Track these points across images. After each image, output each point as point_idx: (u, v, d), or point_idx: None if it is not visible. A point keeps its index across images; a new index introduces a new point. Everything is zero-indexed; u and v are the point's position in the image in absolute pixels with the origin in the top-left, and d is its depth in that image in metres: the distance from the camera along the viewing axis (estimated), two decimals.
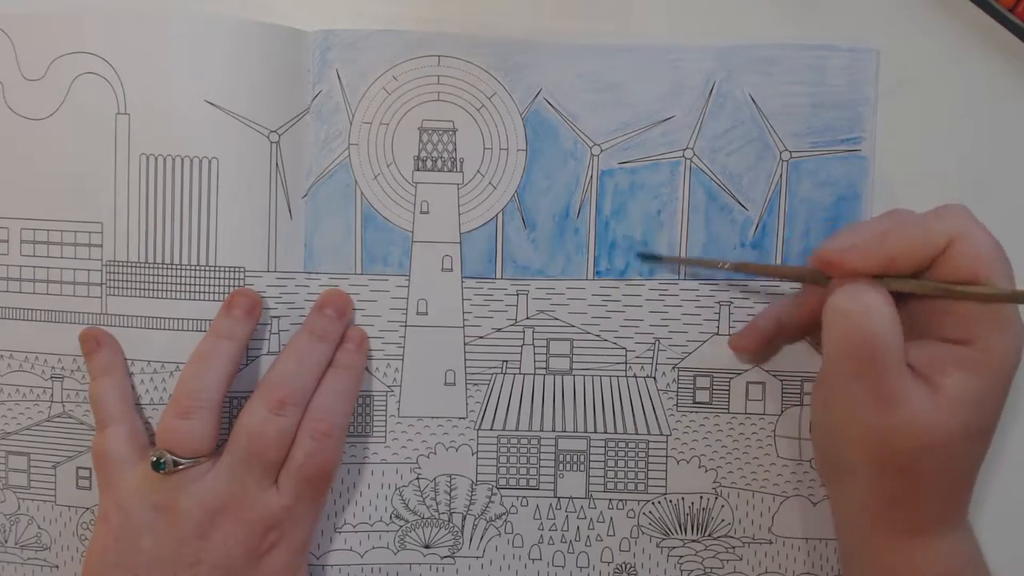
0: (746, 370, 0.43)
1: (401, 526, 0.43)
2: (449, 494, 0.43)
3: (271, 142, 0.41)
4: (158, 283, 0.41)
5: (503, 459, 0.43)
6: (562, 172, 0.43)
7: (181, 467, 0.38)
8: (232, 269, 0.41)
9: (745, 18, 0.43)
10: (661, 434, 0.43)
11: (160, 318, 0.41)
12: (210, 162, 0.41)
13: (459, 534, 0.43)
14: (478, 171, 0.42)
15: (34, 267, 0.42)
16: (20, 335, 0.42)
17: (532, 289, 0.43)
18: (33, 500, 0.43)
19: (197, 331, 0.41)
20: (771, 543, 0.43)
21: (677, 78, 0.42)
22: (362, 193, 0.42)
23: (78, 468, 0.43)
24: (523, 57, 0.42)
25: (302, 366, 0.40)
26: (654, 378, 0.43)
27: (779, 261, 0.43)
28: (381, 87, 0.42)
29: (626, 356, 0.43)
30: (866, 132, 0.42)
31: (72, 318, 0.42)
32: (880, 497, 0.36)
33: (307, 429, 0.39)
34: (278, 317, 0.42)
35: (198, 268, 0.41)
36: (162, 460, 0.37)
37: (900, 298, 0.35)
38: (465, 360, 0.43)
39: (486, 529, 0.43)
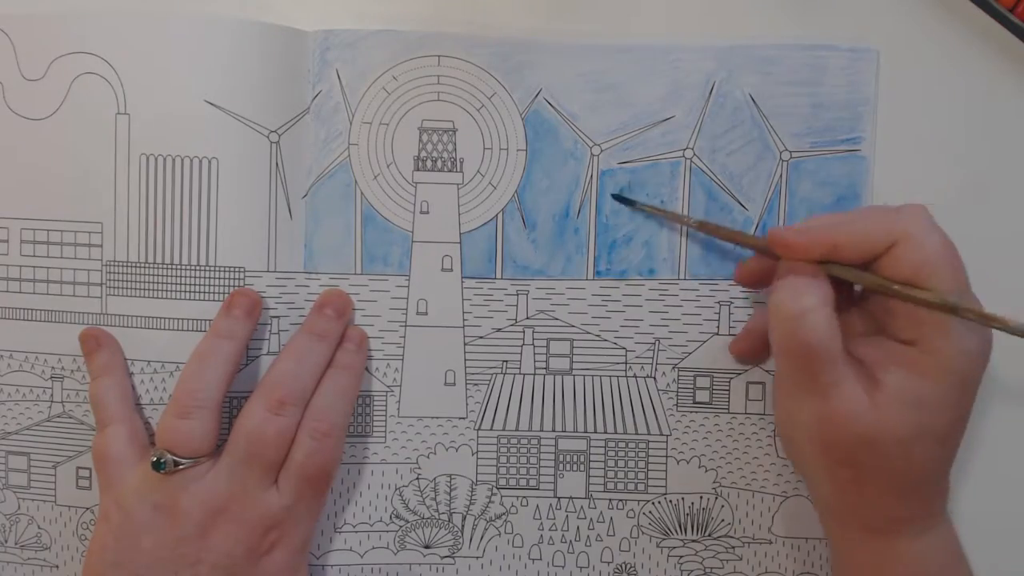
0: (746, 370, 0.43)
1: (401, 526, 0.43)
2: (449, 494, 0.43)
3: (271, 142, 0.41)
4: (158, 283, 0.41)
5: (503, 459, 0.43)
6: (562, 172, 0.43)
7: (181, 467, 0.38)
8: (232, 269, 0.41)
9: (745, 18, 0.43)
10: (661, 434, 0.43)
11: (160, 318, 0.41)
12: (210, 162, 0.41)
13: (459, 534, 0.43)
14: (478, 171, 0.42)
15: (34, 267, 0.42)
16: (20, 335, 0.42)
17: (532, 289, 0.43)
18: (33, 500, 0.43)
19: (197, 331, 0.41)
20: (771, 543, 0.43)
21: (677, 78, 0.42)
22: (362, 193, 0.42)
23: (78, 468, 0.43)
24: (523, 57, 0.42)
25: (302, 366, 0.40)
26: (654, 378, 0.43)
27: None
28: (381, 87, 0.42)
29: (626, 356, 0.43)
30: (866, 132, 0.42)
31: (72, 318, 0.42)
32: (831, 488, 0.37)
33: (307, 429, 0.39)
34: (278, 317, 0.42)
35: (198, 268, 0.41)
36: (162, 460, 0.37)
37: (863, 296, 0.37)
38: (465, 360, 0.43)
39: (486, 529, 0.43)
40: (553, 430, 0.43)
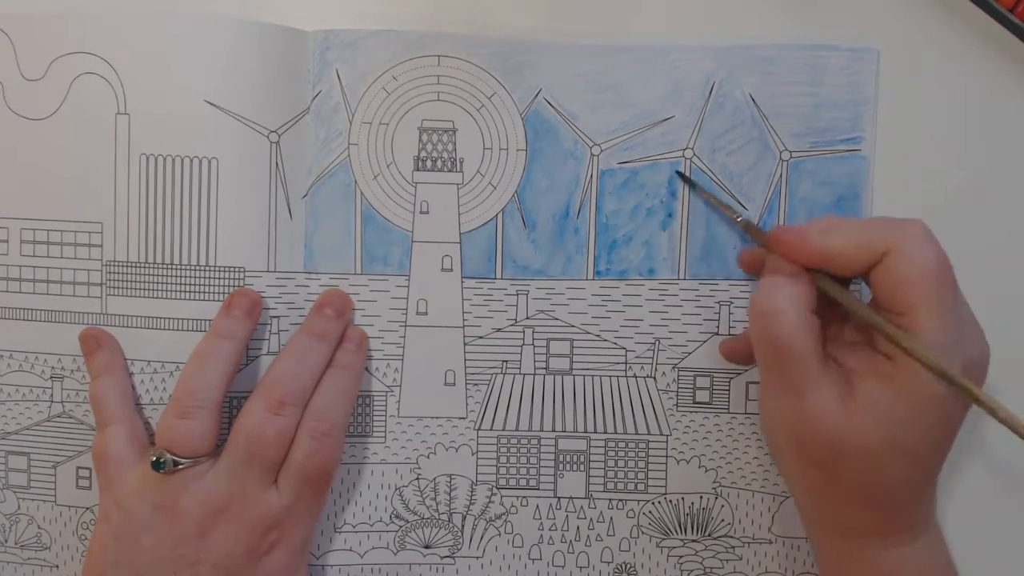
0: (746, 370, 0.43)
1: (401, 526, 0.43)
2: (449, 494, 0.43)
3: (271, 142, 0.41)
4: (158, 283, 0.41)
5: (503, 459, 0.43)
6: (562, 172, 0.43)
7: (181, 467, 0.38)
8: (232, 269, 0.41)
9: (745, 18, 0.43)
10: (661, 434, 0.43)
11: (160, 318, 0.41)
12: (210, 162, 0.41)
13: (459, 534, 0.43)
14: (478, 171, 0.42)
15: (34, 267, 0.42)
16: (20, 335, 0.42)
17: (532, 289, 0.43)
18: (33, 500, 0.43)
19: (197, 331, 0.41)
20: (771, 543, 0.43)
21: (677, 78, 0.42)
22: (362, 193, 0.42)
23: (78, 468, 0.43)
24: (523, 57, 0.42)
25: (301, 366, 0.40)
26: (654, 378, 0.43)
27: None
28: (381, 87, 0.42)
29: (626, 356, 0.43)
30: (866, 132, 0.42)
31: (72, 318, 0.42)
32: (804, 488, 0.37)
33: (306, 429, 0.39)
34: (278, 317, 0.42)
35: (198, 268, 0.41)
36: (162, 460, 0.37)
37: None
38: (465, 360, 0.43)
39: (486, 529, 0.43)
40: (553, 430, 0.43)
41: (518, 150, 0.42)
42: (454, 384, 0.43)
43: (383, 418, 0.43)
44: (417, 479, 0.43)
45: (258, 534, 0.38)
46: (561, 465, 0.43)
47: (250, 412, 0.39)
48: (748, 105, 0.42)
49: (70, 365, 0.42)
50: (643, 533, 0.43)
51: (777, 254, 0.36)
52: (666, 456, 0.43)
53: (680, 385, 0.43)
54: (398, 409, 0.43)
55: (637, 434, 0.43)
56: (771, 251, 0.37)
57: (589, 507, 0.43)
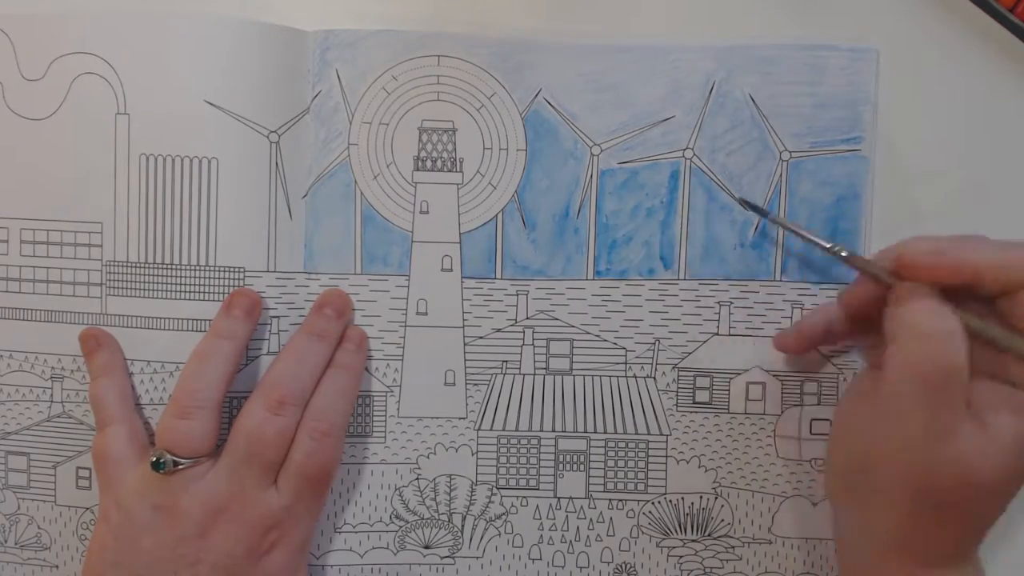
0: (746, 370, 0.43)
1: (401, 526, 0.43)
2: (449, 494, 0.43)
3: (271, 142, 0.41)
4: (158, 283, 0.41)
5: (503, 459, 0.43)
6: (562, 172, 0.43)
7: (181, 467, 0.38)
8: (232, 269, 0.41)
9: (745, 18, 0.43)
10: (661, 434, 0.43)
11: (160, 318, 0.41)
12: (210, 162, 0.41)
13: (459, 534, 0.43)
14: (478, 171, 0.42)
15: (34, 267, 0.42)
16: (20, 335, 0.42)
17: (532, 289, 0.43)
18: (33, 500, 0.43)
19: (197, 331, 0.41)
20: (771, 543, 0.43)
21: (677, 78, 0.42)
22: (362, 193, 0.42)
23: (78, 468, 0.43)
24: (523, 57, 0.42)
25: (301, 366, 0.40)
26: (654, 378, 0.43)
27: (779, 261, 0.43)
28: (381, 87, 0.42)
29: (626, 356, 0.43)
30: (866, 132, 0.42)
31: (72, 318, 0.42)
32: (904, 529, 0.34)
33: (306, 429, 0.39)
34: (278, 317, 0.42)
35: (198, 268, 0.41)
36: (162, 460, 0.37)
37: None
38: (465, 360, 0.43)
39: (486, 529, 0.43)
40: (553, 430, 0.43)
41: (518, 150, 0.42)
42: (454, 384, 0.43)
43: (383, 418, 0.43)
44: (417, 479, 0.43)
45: (258, 534, 0.38)
46: (561, 465, 0.43)
47: (250, 412, 0.39)
48: (748, 105, 0.42)
49: (70, 365, 0.42)
50: (643, 533, 0.43)
51: (907, 278, 0.34)
52: (666, 456, 0.43)
53: (680, 385, 0.43)
54: (398, 409, 0.43)
55: (637, 434, 0.43)
56: (901, 278, 0.35)
57: (589, 507, 0.43)
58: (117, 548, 0.38)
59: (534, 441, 0.43)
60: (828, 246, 0.38)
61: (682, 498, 0.43)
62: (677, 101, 0.42)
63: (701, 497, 0.43)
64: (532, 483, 0.43)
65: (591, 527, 0.43)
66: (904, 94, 0.42)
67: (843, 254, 0.38)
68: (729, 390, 0.43)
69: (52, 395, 0.43)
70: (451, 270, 0.43)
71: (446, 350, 0.43)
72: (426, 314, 0.43)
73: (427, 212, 0.43)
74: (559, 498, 0.43)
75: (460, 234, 0.43)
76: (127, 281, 0.42)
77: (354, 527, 0.43)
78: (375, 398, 0.43)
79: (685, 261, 0.43)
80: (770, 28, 0.42)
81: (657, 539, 0.44)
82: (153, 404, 0.42)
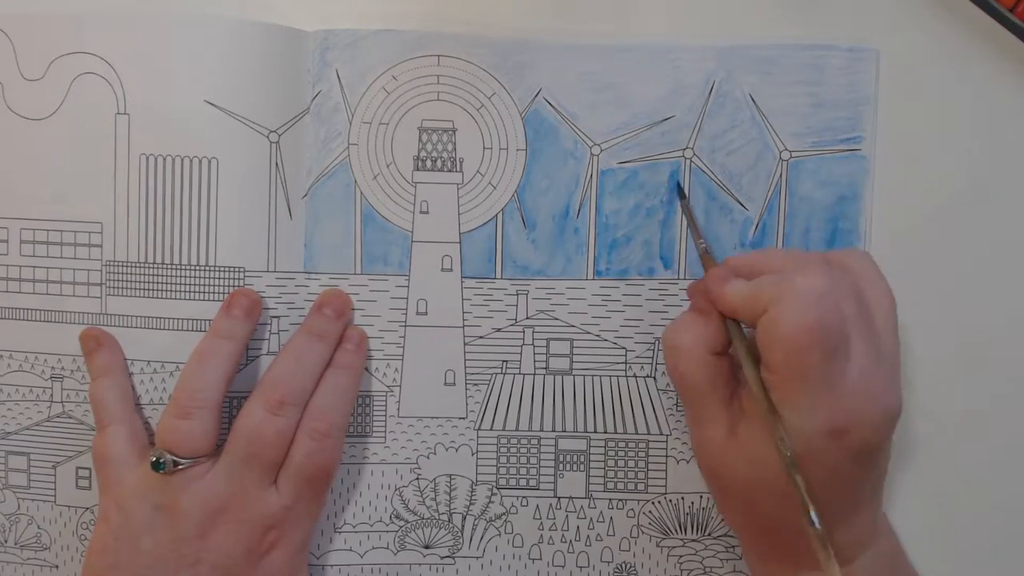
0: None
1: (401, 526, 0.43)
2: (449, 494, 0.43)
3: (271, 142, 0.41)
4: (158, 283, 0.41)
5: (503, 459, 0.43)
6: (562, 172, 0.43)
7: (181, 467, 0.38)
8: (232, 269, 0.41)
9: (745, 18, 0.43)
10: (661, 434, 0.43)
11: (160, 318, 0.41)
12: (210, 162, 0.41)
13: (459, 534, 0.43)
14: (478, 171, 0.42)
15: (34, 267, 0.42)
16: (20, 335, 0.42)
17: (532, 289, 0.43)
18: (33, 500, 0.43)
19: (197, 331, 0.41)
20: None
21: (677, 78, 0.42)
22: (362, 193, 0.42)
23: (78, 468, 0.43)
24: (523, 57, 0.42)
25: (301, 366, 0.40)
26: (654, 378, 0.43)
27: None
28: (381, 87, 0.42)
29: (626, 356, 0.43)
30: (866, 132, 0.42)
31: (72, 318, 0.42)
32: (725, 511, 0.40)
33: (306, 429, 0.39)
34: (278, 317, 0.42)
35: (198, 268, 0.41)
36: (162, 460, 0.37)
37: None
38: (465, 360, 0.43)
39: (486, 529, 0.43)
40: (553, 430, 0.43)
41: (518, 150, 0.42)
42: (454, 384, 0.43)
43: (383, 418, 0.43)
44: (417, 479, 0.43)
45: (258, 534, 0.38)
46: (561, 465, 0.43)
47: (250, 412, 0.39)
48: (748, 105, 0.42)
49: (70, 365, 0.42)
50: (643, 533, 0.43)
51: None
52: (666, 456, 0.43)
53: None
54: (398, 409, 0.43)
55: (637, 434, 0.43)
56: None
57: (589, 507, 0.43)
58: (117, 548, 0.38)
59: (534, 441, 0.43)
60: (700, 241, 0.41)
61: (682, 498, 0.43)
62: (677, 101, 0.42)
63: (701, 497, 0.43)
64: (532, 483, 0.43)
65: (591, 527, 0.43)
66: (904, 94, 0.42)
67: (701, 247, 0.41)
68: None
69: (52, 395, 0.43)
70: (451, 270, 0.43)
71: (446, 350, 0.43)
72: (426, 314, 0.43)
73: (427, 212, 0.43)
74: (559, 498, 0.43)
75: (460, 234, 0.43)
76: (127, 281, 0.42)
77: (354, 527, 0.43)
78: (375, 398, 0.43)
79: (685, 261, 0.43)
80: (770, 28, 0.42)
81: (657, 539, 0.44)
82: (153, 404, 0.42)
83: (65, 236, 0.42)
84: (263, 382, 0.40)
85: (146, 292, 0.41)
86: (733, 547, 0.43)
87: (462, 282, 0.43)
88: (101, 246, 0.42)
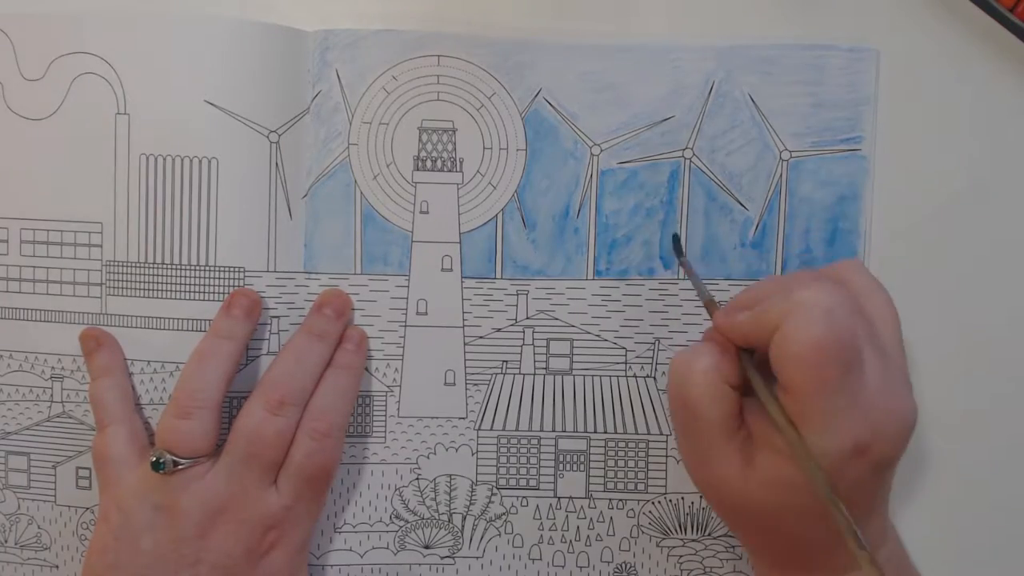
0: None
1: (401, 526, 0.43)
2: (449, 494, 0.43)
3: (271, 142, 0.41)
4: (158, 283, 0.41)
5: (503, 459, 0.43)
6: (562, 172, 0.43)
7: (181, 467, 0.38)
8: (232, 269, 0.41)
9: (745, 18, 0.43)
10: (661, 434, 0.43)
11: (160, 318, 0.41)
12: (210, 162, 0.41)
13: (459, 534, 0.43)
14: (478, 171, 0.42)
15: (34, 267, 0.42)
16: (20, 335, 0.42)
17: (532, 289, 0.43)
18: (33, 500, 0.43)
19: (197, 331, 0.41)
20: None
21: (677, 78, 0.42)
22: (362, 193, 0.42)
23: (78, 468, 0.43)
24: (523, 57, 0.42)
25: (301, 366, 0.40)
26: (654, 378, 0.43)
27: (779, 261, 0.43)
28: (381, 87, 0.42)
29: (626, 356, 0.43)
30: (866, 132, 0.42)
31: (72, 318, 0.42)
32: (740, 533, 0.39)
33: (306, 429, 0.39)
34: (278, 317, 0.42)
35: (198, 268, 0.41)
36: (162, 460, 0.37)
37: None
38: (465, 360, 0.43)
39: (486, 529, 0.43)
40: (553, 430, 0.43)
41: (518, 150, 0.42)
42: (454, 384, 0.43)
43: (383, 418, 0.43)
44: (417, 479, 0.43)
45: (258, 534, 0.38)
46: (561, 465, 0.43)
47: (249, 412, 0.39)
48: (748, 105, 0.42)
49: (70, 365, 0.42)
50: (643, 533, 0.43)
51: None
52: (666, 456, 0.43)
53: None
54: (398, 409, 0.43)
55: (637, 434, 0.43)
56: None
57: (589, 507, 0.43)
58: (117, 548, 0.38)
59: (534, 441, 0.43)
60: (707, 296, 0.39)
61: (682, 498, 0.43)
62: (677, 101, 0.42)
63: (701, 497, 0.43)
64: (532, 483, 0.43)
65: (591, 527, 0.43)
66: (904, 94, 0.42)
67: (706, 299, 0.39)
68: None
69: (52, 395, 0.43)
70: (451, 270, 0.43)
71: (446, 350, 0.43)
72: (426, 314, 0.43)
73: (427, 212, 0.43)
74: (559, 498, 0.43)
75: (460, 234, 0.43)
76: (127, 281, 0.42)
77: (354, 527, 0.43)
78: (375, 398, 0.43)
79: (685, 261, 0.43)
80: (770, 28, 0.42)
81: (657, 539, 0.44)
82: (153, 404, 0.42)
83: (65, 236, 0.42)
84: (263, 382, 0.40)
85: (146, 292, 0.41)
86: (733, 547, 0.43)
87: (462, 282, 0.43)
88: (101, 246, 0.42)
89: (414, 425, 0.43)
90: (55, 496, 0.43)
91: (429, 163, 0.42)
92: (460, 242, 0.43)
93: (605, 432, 0.43)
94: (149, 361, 0.42)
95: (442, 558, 0.43)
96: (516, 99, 0.42)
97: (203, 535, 0.37)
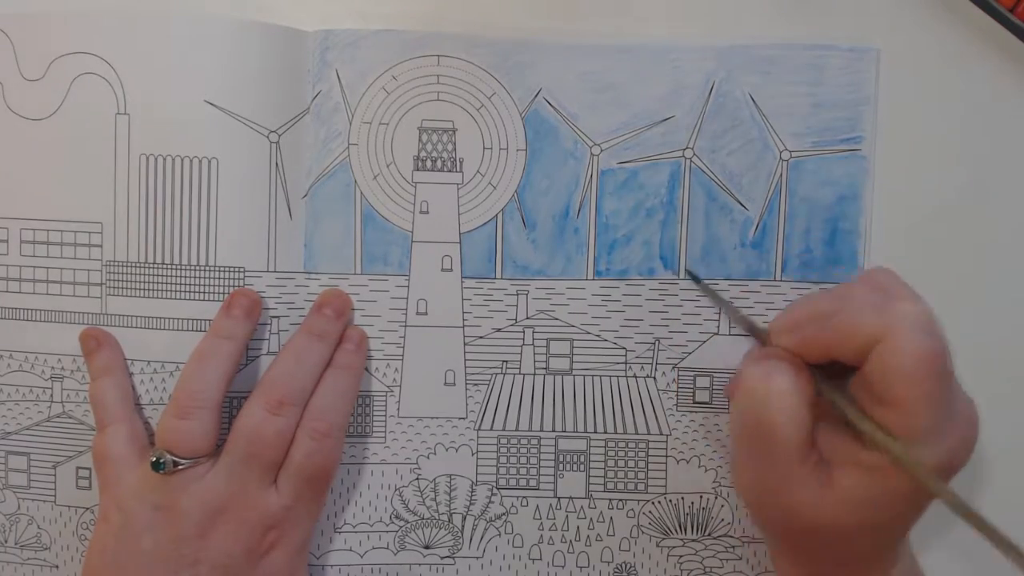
0: None
1: (401, 526, 0.43)
2: (449, 494, 0.43)
3: (271, 142, 0.41)
4: (158, 283, 0.41)
5: (503, 459, 0.43)
6: (562, 172, 0.43)
7: (181, 467, 0.38)
8: (232, 269, 0.41)
9: (745, 18, 0.43)
10: (661, 434, 0.43)
11: (160, 318, 0.41)
12: (210, 162, 0.41)
13: (459, 534, 0.43)
14: (478, 171, 0.42)
15: (34, 267, 0.42)
16: (20, 335, 0.42)
17: (532, 289, 0.43)
18: (33, 500, 0.43)
19: (197, 331, 0.41)
20: None
21: (677, 78, 0.42)
22: (362, 193, 0.42)
23: (78, 468, 0.43)
24: (523, 57, 0.42)
25: (301, 366, 0.40)
26: (654, 378, 0.43)
27: (779, 261, 0.43)
28: (381, 87, 0.42)
29: (626, 356, 0.43)
30: (866, 132, 0.42)
31: (72, 318, 0.42)
32: (787, 560, 0.37)
33: (306, 429, 0.39)
34: (278, 317, 0.42)
35: (198, 268, 0.41)
36: (162, 460, 0.37)
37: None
38: (465, 360, 0.43)
39: (486, 529, 0.43)
40: (553, 430, 0.43)
41: (518, 150, 0.42)
42: (454, 384, 0.43)
43: (383, 418, 0.43)
44: (417, 479, 0.43)
45: (257, 534, 0.38)
46: (561, 465, 0.43)
47: (249, 412, 0.39)
48: (748, 105, 0.42)
49: (70, 365, 0.42)
50: (643, 533, 0.43)
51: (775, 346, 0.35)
52: (666, 456, 0.43)
53: (680, 385, 0.43)
54: (398, 409, 0.43)
55: (637, 434, 0.43)
56: (770, 343, 0.36)
57: (589, 507, 0.43)
58: (117, 548, 0.38)
59: (534, 441, 0.43)
60: (746, 319, 0.39)
61: (682, 498, 0.43)
62: (677, 101, 0.42)
63: (701, 497, 0.43)
64: (532, 483, 0.43)
65: (591, 527, 0.43)
66: (904, 94, 0.42)
67: (754, 329, 0.38)
68: None
69: (52, 395, 0.43)
70: (451, 270, 0.43)
71: (446, 350, 0.43)
72: (426, 314, 0.43)
73: (427, 212, 0.43)
74: (559, 498, 0.43)
75: (460, 234, 0.43)
76: (127, 281, 0.42)
77: (354, 527, 0.43)
78: (375, 398, 0.43)
79: (685, 261, 0.43)
80: (770, 28, 0.42)
81: (657, 539, 0.44)
82: (153, 404, 0.42)
83: (65, 236, 0.42)
84: (263, 382, 0.40)
85: (146, 292, 0.41)
86: (733, 547, 0.43)
87: (462, 282, 0.43)
88: (101, 246, 0.42)
89: (414, 425, 0.43)
90: (55, 496, 0.43)
91: (429, 163, 0.42)
92: (460, 242, 0.43)
93: (605, 432, 0.43)
94: (149, 361, 0.42)
95: (442, 558, 0.43)
96: (516, 99, 0.42)
97: (203, 535, 0.37)
